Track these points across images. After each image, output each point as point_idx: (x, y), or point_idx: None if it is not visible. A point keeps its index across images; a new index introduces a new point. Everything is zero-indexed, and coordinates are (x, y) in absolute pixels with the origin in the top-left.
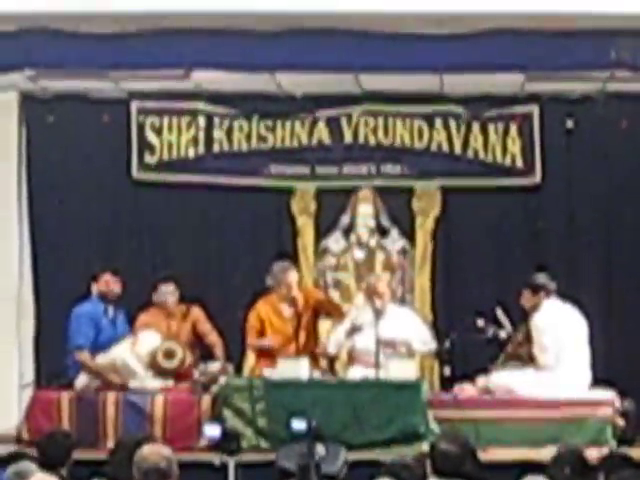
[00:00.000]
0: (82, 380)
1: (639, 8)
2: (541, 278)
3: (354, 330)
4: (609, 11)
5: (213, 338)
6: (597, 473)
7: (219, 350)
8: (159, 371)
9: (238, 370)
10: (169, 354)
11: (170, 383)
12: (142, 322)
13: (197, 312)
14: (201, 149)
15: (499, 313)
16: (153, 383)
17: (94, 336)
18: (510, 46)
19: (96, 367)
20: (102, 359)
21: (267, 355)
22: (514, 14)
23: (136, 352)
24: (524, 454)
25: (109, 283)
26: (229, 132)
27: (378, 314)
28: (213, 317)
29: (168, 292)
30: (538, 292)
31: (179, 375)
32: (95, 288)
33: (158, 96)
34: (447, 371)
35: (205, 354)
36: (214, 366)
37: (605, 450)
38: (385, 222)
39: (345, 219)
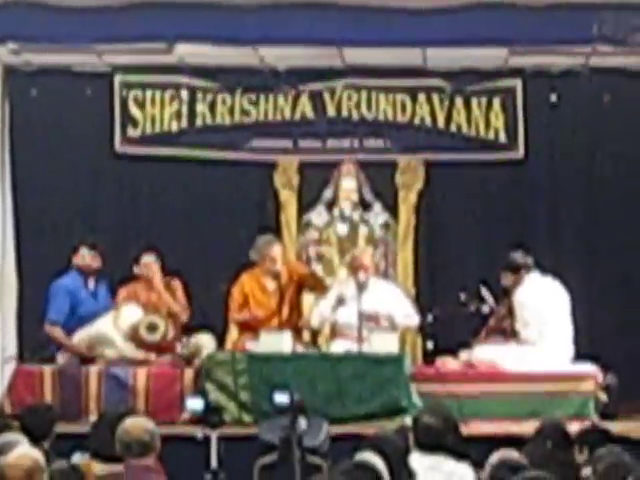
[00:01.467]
0: (64, 354)
1: None
2: (518, 257)
3: (339, 303)
4: None
5: (179, 308)
6: (578, 446)
7: (182, 319)
8: (141, 344)
9: (221, 344)
10: (151, 327)
11: (152, 356)
12: (123, 295)
13: (177, 285)
14: (184, 123)
15: (483, 290)
16: (134, 354)
17: (73, 309)
18: (493, 20)
19: (65, 342)
20: (83, 334)
21: (250, 329)
22: None
23: (118, 326)
24: (506, 428)
25: (85, 257)
26: (212, 106)
27: (361, 288)
28: (196, 291)
29: (150, 263)
30: (518, 271)
31: (161, 348)
32: (74, 261)
33: (141, 70)
34: (430, 345)
35: (190, 326)
36: (196, 337)
37: (587, 424)
38: (368, 196)
39: (328, 193)
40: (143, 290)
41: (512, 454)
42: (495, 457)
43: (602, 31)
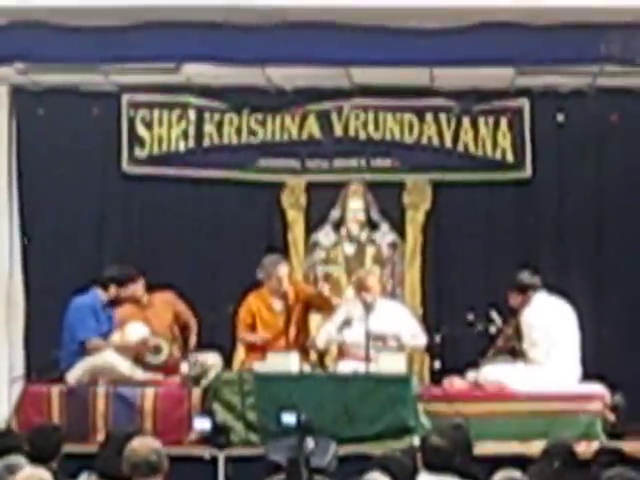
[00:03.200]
0: (74, 374)
1: (629, 1)
2: (525, 277)
3: (346, 324)
4: (599, 5)
5: (186, 316)
6: (588, 468)
7: (193, 326)
8: (146, 367)
9: (228, 364)
10: (155, 350)
11: (159, 377)
12: (121, 318)
13: (170, 297)
14: (191, 143)
15: (492, 313)
16: (142, 377)
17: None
18: (500, 40)
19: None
20: (86, 365)
21: (257, 349)
22: (504, 8)
23: (125, 345)
24: (514, 448)
25: (112, 293)
26: (219, 126)
27: (368, 308)
28: (203, 311)
29: (135, 288)
30: (525, 291)
31: (167, 369)
32: (109, 292)
33: (149, 89)
34: (437, 365)
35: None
36: (204, 357)
37: (595, 444)
38: (375, 216)
39: (335, 213)
40: (137, 311)
41: (514, 474)
42: (497, 477)
43: (610, 51)
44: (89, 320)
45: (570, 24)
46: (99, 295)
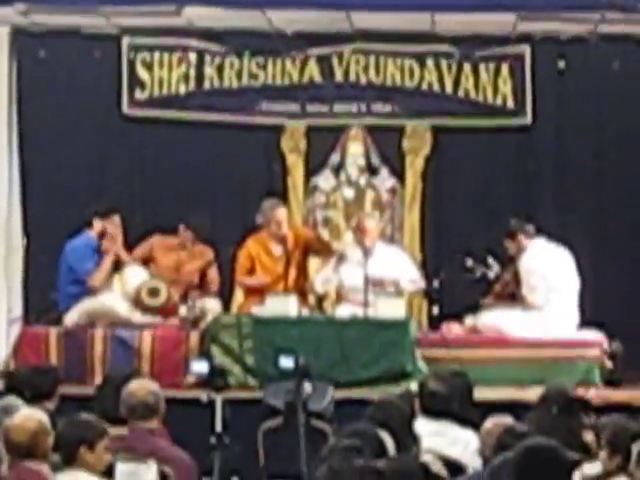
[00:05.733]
0: (72, 316)
1: None
2: (513, 223)
3: (340, 260)
4: None
5: (212, 276)
6: (586, 413)
7: (213, 289)
8: (144, 309)
9: (226, 307)
10: (153, 292)
11: (157, 320)
12: (154, 244)
13: (209, 254)
14: (192, 86)
15: (489, 259)
16: (140, 320)
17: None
18: None
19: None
20: (85, 306)
21: (256, 292)
22: None
23: (123, 289)
24: (511, 394)
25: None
26: (220, 69)
27: (367, 252)
28: None
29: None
30: (515, 237)
31: (166, 311)
32: (97, 227)
33: (149, 32)
34: (435, 310)
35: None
36: (202, 300)
37: (592, 391)
38: (375, 161)
39: (335, 157)
40: (174, 245)
41: (506, 419)
42: (489, 423)
43: None
44: (87, 259)
45: None
46: (91, 236)
